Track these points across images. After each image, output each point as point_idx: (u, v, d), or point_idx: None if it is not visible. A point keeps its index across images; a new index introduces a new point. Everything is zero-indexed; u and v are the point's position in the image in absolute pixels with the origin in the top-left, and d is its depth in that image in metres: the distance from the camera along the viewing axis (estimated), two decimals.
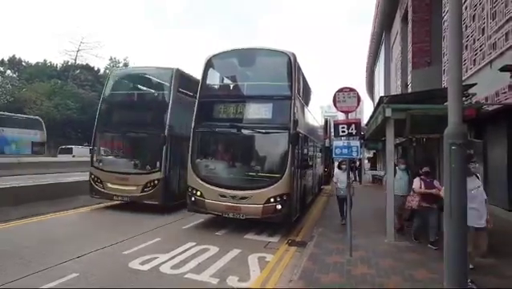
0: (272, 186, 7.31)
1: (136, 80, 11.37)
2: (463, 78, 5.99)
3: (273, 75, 8.61)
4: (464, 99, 6.53)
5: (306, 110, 10.18)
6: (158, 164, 9.35)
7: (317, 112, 14.72)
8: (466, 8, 7.96)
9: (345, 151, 5.94)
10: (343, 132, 5.92)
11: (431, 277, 4.92)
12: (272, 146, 7.87)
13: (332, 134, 8.54)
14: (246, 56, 8.77)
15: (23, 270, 4.93)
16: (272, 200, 7.21)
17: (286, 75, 7.99)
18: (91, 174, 9.91)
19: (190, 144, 8.14)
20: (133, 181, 9.46)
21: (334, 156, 6.24)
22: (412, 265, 5.44)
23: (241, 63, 9.03)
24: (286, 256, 6.17)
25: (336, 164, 9.98)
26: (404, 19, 15.46)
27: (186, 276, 4.98)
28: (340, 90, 6.21)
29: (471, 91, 7.09)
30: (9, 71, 44.88)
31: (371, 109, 20.82)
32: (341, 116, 6.64)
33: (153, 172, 9.39)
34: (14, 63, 45.08)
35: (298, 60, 8.32)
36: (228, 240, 7.02)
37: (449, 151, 3.21)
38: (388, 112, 6.70)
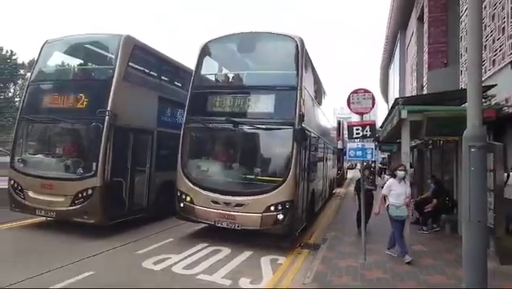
0: (273, 192, 6.32)
1: (74, 52, 8.49)
2: (482, 79, 5.82)
3: (277, 63, 7.52)
4: (483, 100, 6.35)
5: (315, 105, 9.01)
6: (94, 166, 6.73)
7: (329, 112, 14.01)
8: (485, 7, 7.75)
9: (359, 153, 5.87)
10: (358, 133, 5.86)
11: (447, 282, 4.80)
12: (274, 144, 6.95)
13: (346, 136, 8.39)
14: (247, 41, 7.65)
15: None
16: (272, 208, 6.24)
17: (291, 62, 6.94)
18: (10, 179, 7.44)
19: (180, 142, 7.15)
20: (60, 189, 6.83)
21: (347, 158, 6.18)
22: (428, 270, 5.32)
23: (240, 48, 7.91)
24: (299, 259, 6.13)
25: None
26: (420, 19, 15.17)
27: (198, 277, 5.01)
28: (355, 91, 6.15)
29: (490, 92, 6.89)
30: (29, 74, 46.34)
31: (385, 111, 20.48)
32: (355, 118, 6.58)
33: (86, 177, 6.76)
34: (33, 65, 46.49)
35: (307, 47, 7.34)
36: (240, 242, 7.00)
37: (468, 154, 3.14)
38: (404, 114, 6.58)
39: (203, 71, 7.68)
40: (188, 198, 6.81)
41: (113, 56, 7.55)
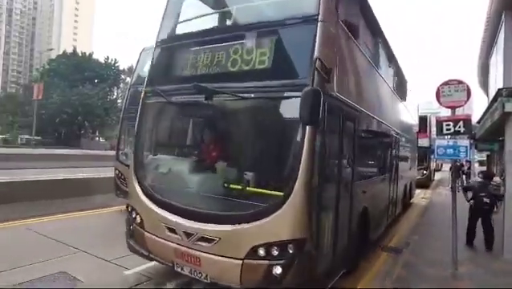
0: (263, 220, 3.34)
1: None
2: None
3: None
4: None
5: (362, 59, 5.31)
6: None
7: (411, 103, 11.61)
8: None
9: (450, 151, 5.31)
10: (448, 129, 5.29)
11: None
12: (269, 127, 4.14)
13: (433, 132, 7.53)
14: None
15: None
16: (262, 252, 3.32)
17: None
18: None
19: (136, 127, 4.70)
20: None
21: (435, 156, 5.64)
22: None
23: None
24: (378, 262, 5.83)
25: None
26: None
27: None
28: (445, 83, 5.55)
29: None
30: (128, 79, 53.32)
31: (484, 105, 17.92)
32: (444, 113, 5.97)
33: None
34: (132, 71, 53.36)
35: None
36: None
37: None
38: (509, 107, 5.72)
39: (175, 16, 4.86)
40: (138, 219, 4.24)
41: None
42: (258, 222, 3.35)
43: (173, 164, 4.51)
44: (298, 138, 3.38)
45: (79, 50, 55.24)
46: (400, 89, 9.32)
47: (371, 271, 5.32)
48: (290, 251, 3.27)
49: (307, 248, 3.33)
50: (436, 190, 18.31)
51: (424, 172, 18.23)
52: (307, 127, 3.31)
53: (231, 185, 3.81)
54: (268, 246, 3.32)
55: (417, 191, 14.65)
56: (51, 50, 61.24)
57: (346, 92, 4.24)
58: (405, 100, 10.17)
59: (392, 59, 8.11)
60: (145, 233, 4.09)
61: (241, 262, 3.36)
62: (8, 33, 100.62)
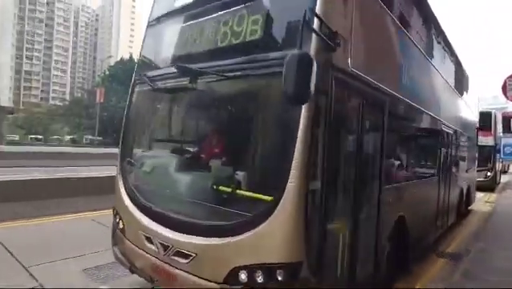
0: (246, 234, 2.57)
1: None
2: None
3: None
4: None
5: (398, 34, 4.32)
6: None
7: (470, 97, 10.06)
8: None
9: None
10: None
11: None
12: (257, 113, 3.22)
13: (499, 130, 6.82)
14: None
15: None
16: (243, 276, 2.56)
17: None
18: None
19: (123, 119, 4.21)
20: None
21: (502, 156, 5.13)
22: None
23: None
24: (433, 268, 5.47)
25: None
26: None
27: None
28: None
29: None
30: None
31: None
32: None
33: None
34: None
35: None
36: None
37: None
38: None
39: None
40: (121, 224, 3.71)
41: None
42: (237, 237, 2.59)
43: (155, 162, 3.93)
44: (292, 126, 2.51)
45: (134, 57, 59.33)
46: (455, 78, 8.09)
47: (425, 278, 4.99)
48: (280, 278, 2.46)
49: (304, 274, 2.49)
50: (503, 194, 16.59)
51: (488, 173, 16.59)
52: (303, 111, 2.46)
53: (213, 187, 2.99)
54: (251, 270, 2.55)
55: (480, 195, 13.40)
56: (110, 57, 66.59)
57: (368, 70, 3.28)
58: (462, 91, 8.92)
59: (441, 39, 6.77)
60: (126, 241, 3.53)
61: (219, 287, 2.65)
62: (75, 44, 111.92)
